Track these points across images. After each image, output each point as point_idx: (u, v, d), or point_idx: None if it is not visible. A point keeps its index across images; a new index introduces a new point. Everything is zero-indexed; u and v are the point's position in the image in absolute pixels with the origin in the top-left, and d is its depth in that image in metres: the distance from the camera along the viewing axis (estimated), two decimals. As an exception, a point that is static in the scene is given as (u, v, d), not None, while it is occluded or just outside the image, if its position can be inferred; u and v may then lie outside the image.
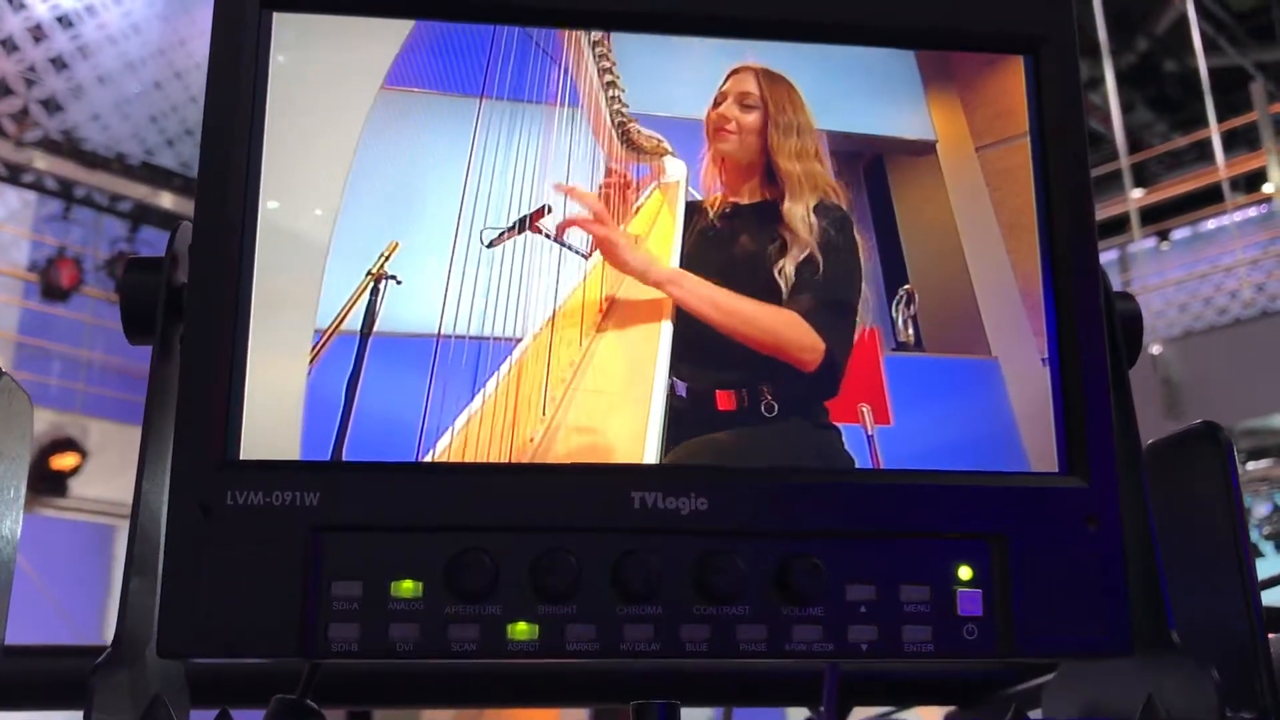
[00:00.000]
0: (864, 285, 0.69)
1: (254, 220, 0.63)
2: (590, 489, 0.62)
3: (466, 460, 0.63)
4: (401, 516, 0.60)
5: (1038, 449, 0.67)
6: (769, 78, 0.69)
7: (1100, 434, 0.66)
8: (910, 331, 0.69)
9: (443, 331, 0.64)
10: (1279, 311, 8.44)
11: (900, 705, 1.07)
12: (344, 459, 0.62)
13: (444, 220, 0.66)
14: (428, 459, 0.63)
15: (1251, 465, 8.40)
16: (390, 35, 0.67)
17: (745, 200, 0.69)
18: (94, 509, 6.86)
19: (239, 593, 0.58)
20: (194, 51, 7.74)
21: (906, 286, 0.69)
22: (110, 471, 6.65)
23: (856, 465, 0.67)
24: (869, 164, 0.71)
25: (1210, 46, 9.12)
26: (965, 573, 0.63)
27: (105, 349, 7.43)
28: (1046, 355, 0.68)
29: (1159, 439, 0.75)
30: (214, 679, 0.81)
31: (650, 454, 0.64)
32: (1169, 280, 9.27)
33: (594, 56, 0.69)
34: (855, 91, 0.71)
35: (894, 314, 0.69)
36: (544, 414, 0.64)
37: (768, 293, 0.67)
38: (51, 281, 7.20)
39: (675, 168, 0.69)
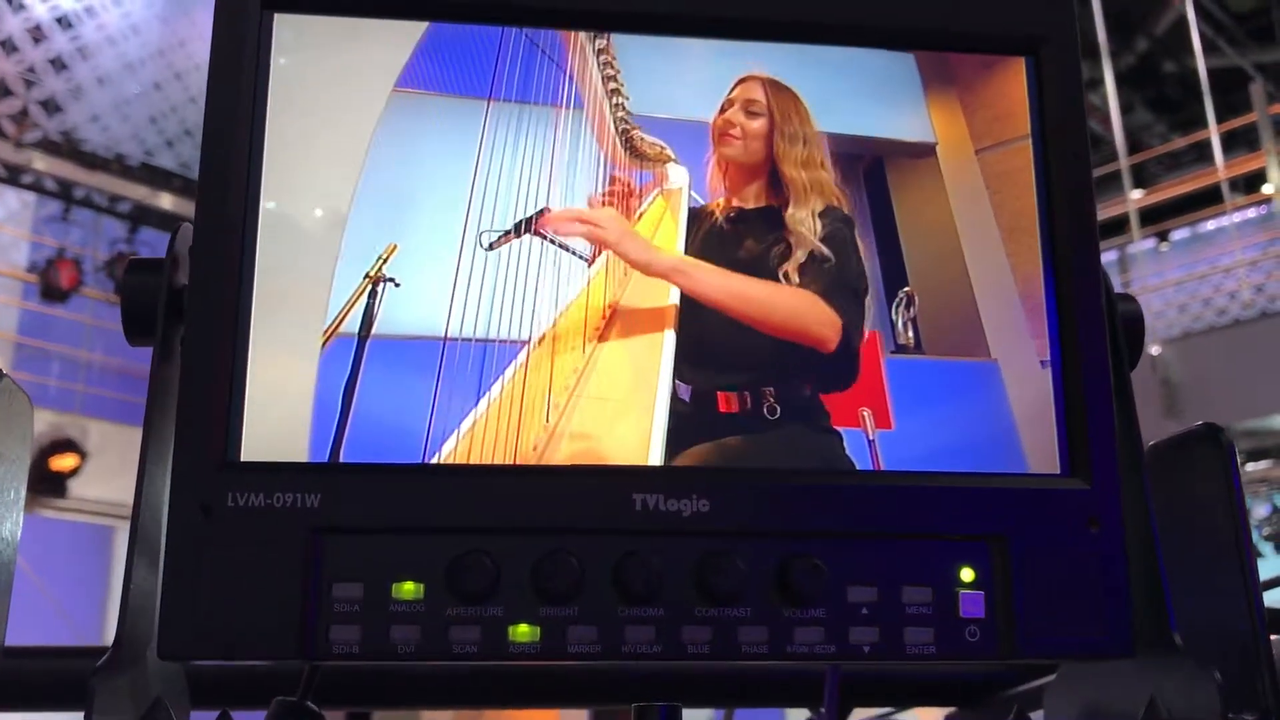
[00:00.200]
0: (870, 286, 0.69)
1: (255, 221, 0.63)
2: (591, 490, 0.62)
3: (469, 463, 0.63)
4: (402, 518, 0.60)
5: (1037, 451, 0.67)
6: (775, 87, 0.70)
7: (1102, 435, 0.66)
8: (910, 334, 0.69)
9: (443, 334, 0.64)
10: (1278, 312, 8.44)
11: (901, 706, 1.07)
12: (341, 461, 0.62)
13: (445, 222, 0.66)
14: (431, 462, 0.63)
15: (1251, 466, 8.40)
16: (403, 38, 0.67)
17: (750, 204, 0.69)
18: (93, 510, 6.85)
19: (240, 594, 0.58)
20: (193, 52, 7.75)
21: (906, 289, 0.69)
22: (110, 472, 6.64)
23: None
24: (869, 166, 0.71)
25: (1209, 47, 9.12)
26: (967, 574, 0.63)
27: (105, 350, 7.43)
28: (1046, 357, 0.68)
29: (1160, 440, 0.75)
30: (214, 680, 0.81)
31: (654, 461, 0.64)
32: (1168, 281, 9.27)
33: (598, 64, 0.69)
34: (855, 93, 0.71)
35: (894, 316, 0.69)
36: (548, 421, 0.64)
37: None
38: (51, 282, 7.20)
39: (678, 174, 0.69)
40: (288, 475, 0.60)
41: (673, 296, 0.67)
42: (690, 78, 0.69)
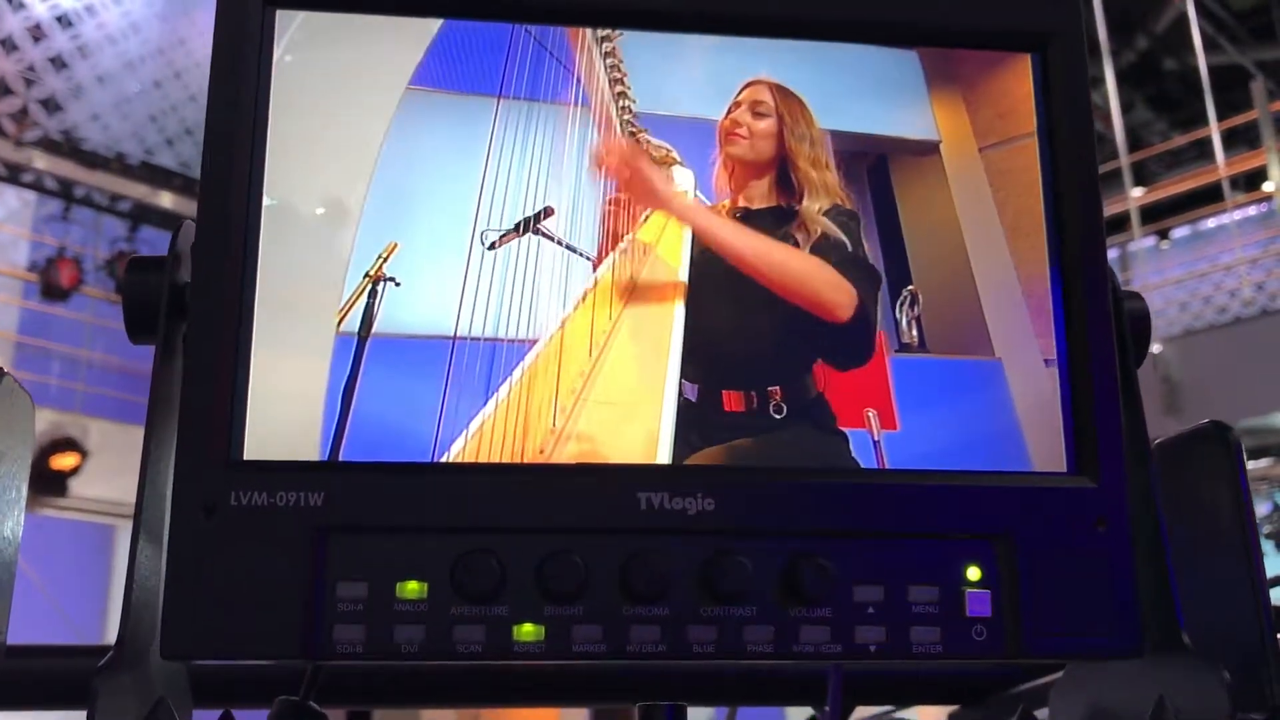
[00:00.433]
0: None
1: (257, 219, 0.63)
2: (597, 489, 0.62)
3: (473, 461, 0.63)
4: (407, 517, 0.60)
5: (1042, 449, 0.66)
6: (782, 92, 0.69)
7: (1109, 434, 0.65)
8: (914, 333, 0.68)
9: (445, 334, 0.64)
10: (1279, 310, 8.43)
11: (904, 704, 1.06)
12: (340, 460, 0.61)
13: (449, 221, 0.65)
14: (436, 460, 0.62)
15: (1252, 464, 8.39)
16: (416, 36, 0.67)
17: (756, 205, 0.69)
18: (94, 509, 6.85)
19: (243, 594, 0.58)
20: (193, 51, 7.74)
21: (910, 287, 0.69)
22: (110, 471, 6.64)
23: None
24: (873, 165, 0.71)
25: (1210, 45, 9.12)
26: (974, 573, 0.63)
27: (105, 349, 7.43)
28: (1050, 356, 0.68)
29: (1166, 438, 0.74)
30: (217, 680, 0.81)
31: (661, 462, 0.64)
32: (1169, 279, 9.26)
33: (605, 66, 0.69)
34: (859, 92, 0.71)
35: (898, 315, 0.68)
36: (554, 426, 0.64)
37: None
38: (51, 281, 7.19)
39: (684, 177, 0.69)
40: (291, 474, 0.60)
41: (679, 293, 0.67)
42: (697, 75, 0.69)
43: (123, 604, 0.58)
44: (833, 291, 0.67)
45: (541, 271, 0.66)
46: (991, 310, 0.69)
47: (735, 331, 0.67)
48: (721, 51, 0.69)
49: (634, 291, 0.67)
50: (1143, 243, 9.42)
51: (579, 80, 0.68)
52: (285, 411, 0.61)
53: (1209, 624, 0.68)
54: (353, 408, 0.62)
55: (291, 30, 0.65)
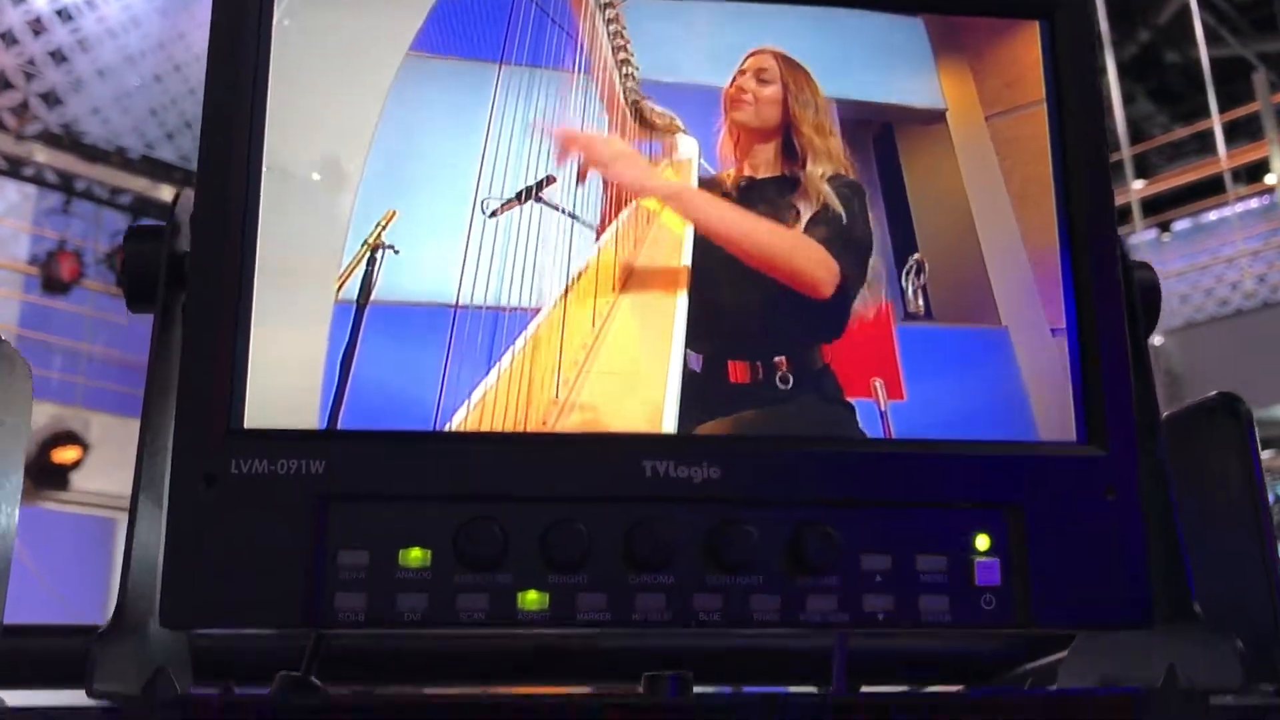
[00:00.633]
0: (875, 256, 0.68)
1: (257, 185, 0.62)
2: (601, 457, 0.61)
3: (476, 430, 0.62)
4: (409, 485, 0.59)
5: (1048, 419, 0.66)
6: (787, 61, 0.69)
7: (1119, 403, 0.65)
8: (920, 302, 0.68)
9: (447, 302, 0.63)
10: (1281, 302, 8.42)
11: (912, 684, 1.05)
12: (339, 428, 0.61)
13: (449, 189, 0.65)
14: (439, 429, 0.62)
15: (1253, 456, 8.36)
16: (416, 2, 0.66)
17: (761, 174, 0.68)
18: (95, 502, 6.84)
19: (243, 562, 0.57)
20: (193, 45, 7.72)
21: (916, 256, 0.68)
22: (112, 465, 6.62)
23: None
24: (878, 133, 0.70)
25: (1212, 37, 9.10)
26: (982, 542, 0.63)
27: (106, 342, 7.42)
28: (1056, 325, 0.67)
29: (1175, 411, 0.74)
30: (217, 656, 0.80)
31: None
32: (1170, 271, 9.24)
33: (608, 34, 0.68)
34: (865, 60, 0.70)
35: (904, 284, 0.68)
36: (557, 396, 0.63)
37: None
38: (52, 274, 7.18)
39: (687, 145, 0.68)
40: (293, 442, 0.59)
41: (685, 260, 0.66)
42: (700, 43, 0.68)
43: (120, 573, 0.58)
44: (813, 267, 0.66)
45: (543, 240, 0.65)
46: (998, 279, 0.68)
47: (740, 302, 0.66)
48: (726, 19, 0.69)
49: (638, 261, 0.66)
50: (1144, 235, 9.41)
51: (581, 47, 0.68)
52: (284, 380, 0.61)
53: (1219, 597, 0.67)
54: (351, 376, 0.61)
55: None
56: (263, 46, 0.63)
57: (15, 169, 7.34)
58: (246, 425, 0.60)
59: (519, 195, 0.65)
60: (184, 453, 0.58)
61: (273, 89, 0.63)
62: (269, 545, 0.58)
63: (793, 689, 0.95)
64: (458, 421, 0.62)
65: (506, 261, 0.64)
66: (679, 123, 0.68)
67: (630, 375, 0.64)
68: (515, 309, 0.64)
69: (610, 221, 0.67)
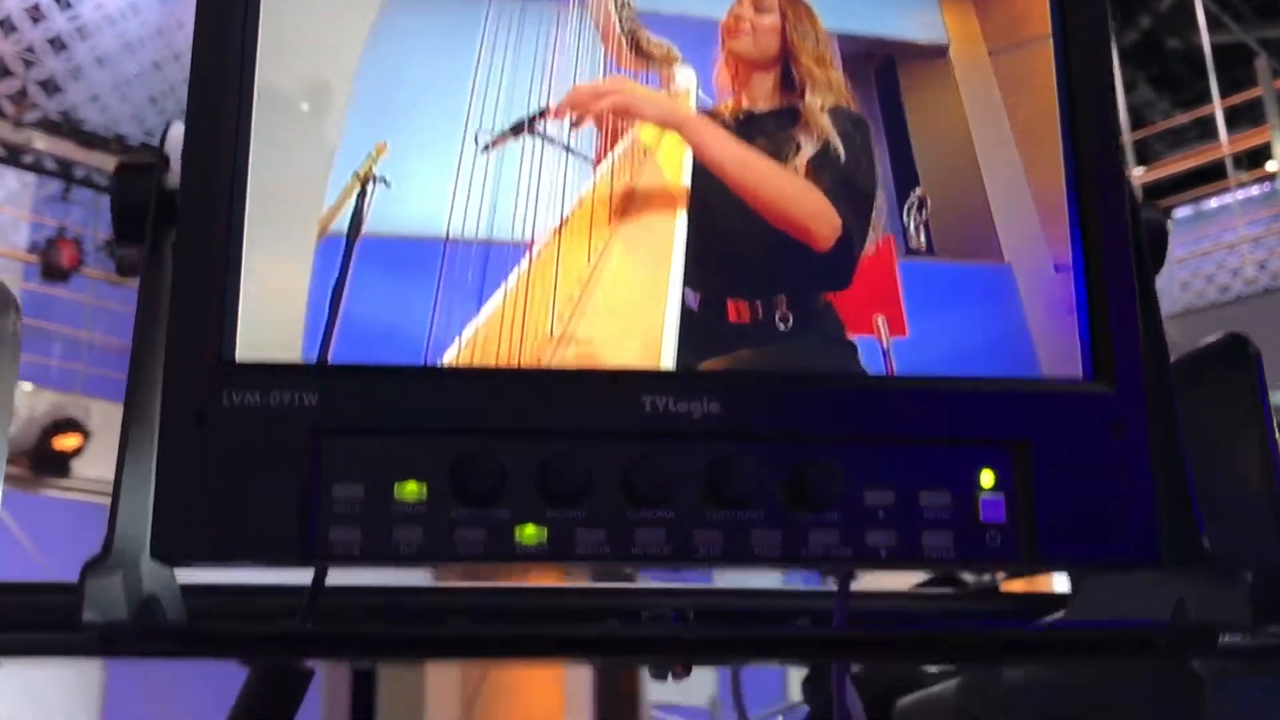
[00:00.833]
0: (879, 190, 0.67)
1: (248, 116, 0.61)
2: (599, 393, 0.60)
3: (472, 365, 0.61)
4: (405, 419, 0.59)
5: (1051, 356, 0.65)
6: None
7: (1127, 340, 0.64)
8: (922, 238, 0.67)
9: (440, 235, 0.62)
10: (1282, 288, 8.41)
11: (909, 662, 1.04)
12: (329, 362, 0.60)
13: (441, 121, 0.64)
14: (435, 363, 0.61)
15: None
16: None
17: (761, 106, 0.67)
18: (97, 489, 6.82)
19: (236, 496, 0.56)
20: (192, 32, 7.71)
21: (918, 191, 0.67)
22: (113, 451, 6.60)
23: None
24: (880, 68, 0.69)
25: (1214, 24, 9.08)
26: (987, 479, 0.62)
27: (106, 330, 7.42)
28: (1060, 261, 0.66)
29: (1183, 354, 0.73)
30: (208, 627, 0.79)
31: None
32: (1172, 258, 9.23)
33: None
34: (867, -6, 0.69)
35: (905, 219, 0.67)
36: (551, 333, 0.62)
37: None
38: (52, 262, 7.18)
39: (685, 76, 0.67)
40: (285, 374, 0.58)
41: (683, 198, 0.65)
42: (698, -27, 0.67)
43: (110, 507, 0.57)
44: (814, 220, 0.65)
45: (538, 174, 0.64)
46: (1000, 215, 0.67)
47: (740, 240, 0.65)
48: (726, -47, 0.67)
49: (634, 195, 0.65)
50: (1145, 221, 9.38)
51: (576, -23, 0.67)
52: (273, 313, 0.60)
53: (1228, 539, 0.67)
54: (341, 309, 0.60)
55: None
56: None
57: (14, 156, 7.33)
58: (238, 358, 0.59)
59: (514, 128, 0.64)
60: (174, 385, 0.58)
61: (263, 17, 0.62)
62: (262, 479, 0.57)
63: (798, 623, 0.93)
64: (449, 358, 0.61)
65: (500, 195, 0.63)
66: (676, 52, 0.67)
67: (627, 312, 0.63)
68: (509, 243, 0.63)
69: (606, 155, 0.65)
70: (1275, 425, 0.69)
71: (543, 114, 0.64)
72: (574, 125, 0.65)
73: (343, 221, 0.62)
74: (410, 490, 0.58)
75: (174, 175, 0.62)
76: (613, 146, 0.66)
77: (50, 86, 7.31)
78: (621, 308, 0.63)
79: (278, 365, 0.59)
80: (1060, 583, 0.86)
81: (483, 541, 0.58)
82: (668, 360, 0.62)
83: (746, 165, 0.65)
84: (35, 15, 7.22)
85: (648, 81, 0.67)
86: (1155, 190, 9.52)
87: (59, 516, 6.76)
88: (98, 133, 7.49)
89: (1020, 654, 0.61)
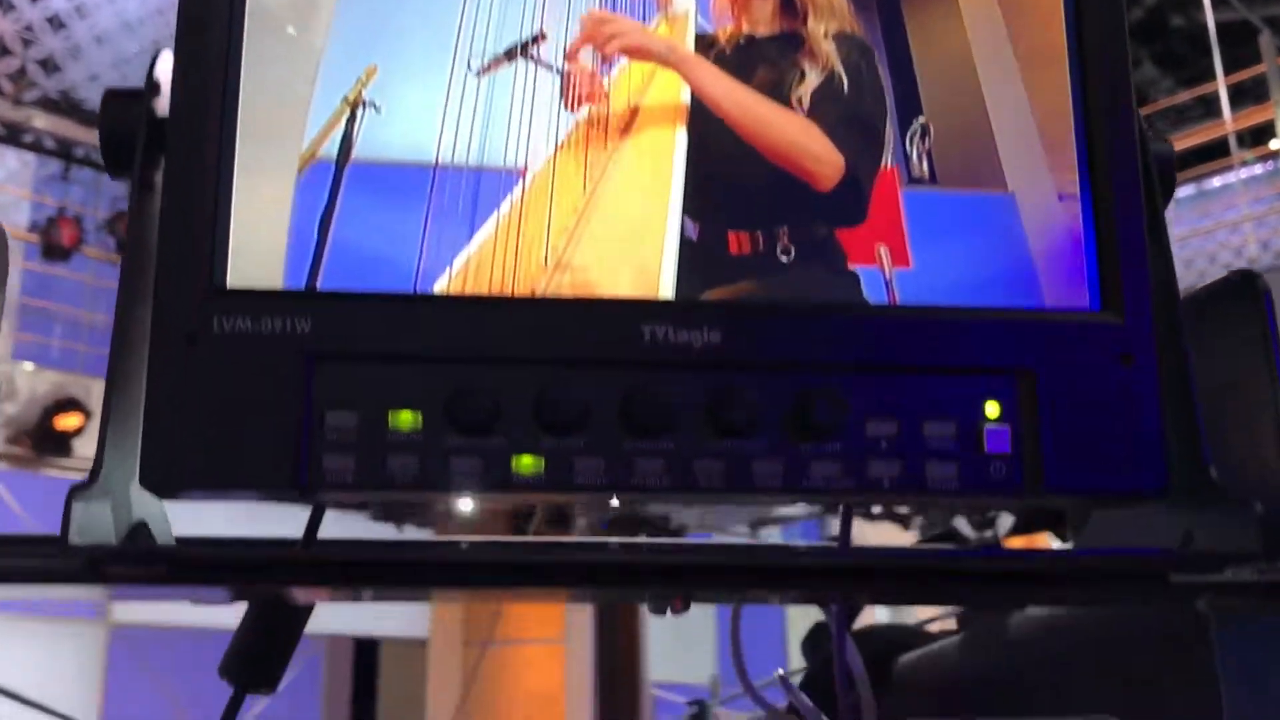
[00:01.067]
0: (887, 121, 0.65)
1: (239, 38, 0.60)
2: (597, 322, 0.59)
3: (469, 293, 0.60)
4: (399, 346, 0.58)
5: (1055, 286, 0.64)
6: None
7: (1135, 269, 0.63)
8: (925, 166, 0.65)
9: (432, 161, 0.61)
10: (1286, 266, 8.39)
11: (913, 602, 1.03)
12: (318, 289, 0.59)
13: (432, 44, 0.62)
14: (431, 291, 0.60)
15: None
16: None
17: (761, 31, 0.65)
18: (98, 469, 6.84)
19: (227, 424, 0.55)
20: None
21: (921, 119, 0.66)
22: (114, 433, 6.61)
23: None
24: (883, -6, 0.68)
25: (1218, 1, 9.03)
26: (992, 409, 0.60)
27: (107, 309, 7.40)
28: (1064, 191, 0.65)
29: (1192, 291, 0.72)
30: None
31: (663, 302, 0.61)
32: (1174, 237, 9.19)
33: None
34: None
35: (908, 148, 0.65)
36: (545, 263, 0.61)
37: None
38: (52, 241, 7.16)
39: (683, 1, 0.66)
40: (277, 300, 0.57)
41: (682, 124, 0.64)
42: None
43: (99, 435, 0.56)
44: (814, 163, 0.64)
45: (533, 99, 0.63)
46: (1004, 144, 0.66)
47: (740, 169, 0.64)
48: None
49: (632, 121, 0.64)
50: (1148, 200, 9.35)
51: (571, -103, 0.65)
52: (264, 240, 0.59)
53: (1236, 474, 0.66)
54: (330, 236, 0.59)
55: None
56: None
57: (14, 136, 7.31)
58: (229, 285, 0.58)
59: (507, 53, 0.63)
60: (164, 310, 0.56)
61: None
62: (253, 406, 0.56)
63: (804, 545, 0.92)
64: (439, 287, 0.60)
65: (492, 121, 0.62)
66: None
67: (624, 242, 0.62)
68: (501, 170, 0.61)
69: (602, 83, 0.64)
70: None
71: (536, 39, 0.63)
72: (569, 58, 0.64)
73: (331, 147, 0.60)
74: (405, 419, 0.57)
75: (163, 104, 0.61)
76: (610, 72, 0.64)
77: (49, 65, 7.28)
78: (618, 237, 0.62)
79: (270, 292, 0.58)
80: (1058, 545, 0.85)
81: (478, 471, 0.57)
82: (666, 291, 0.61)
83: (747, 109, 0.64)
84: (34, -6, 7.19)
85: (644, 6, 0.65)
86: (1158, 169, 9.47)
87: (60, 496, 6.78)
88: (97, 112, 7.47)
89: (1026, 584, 0.60)
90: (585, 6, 0.64)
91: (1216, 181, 9.65)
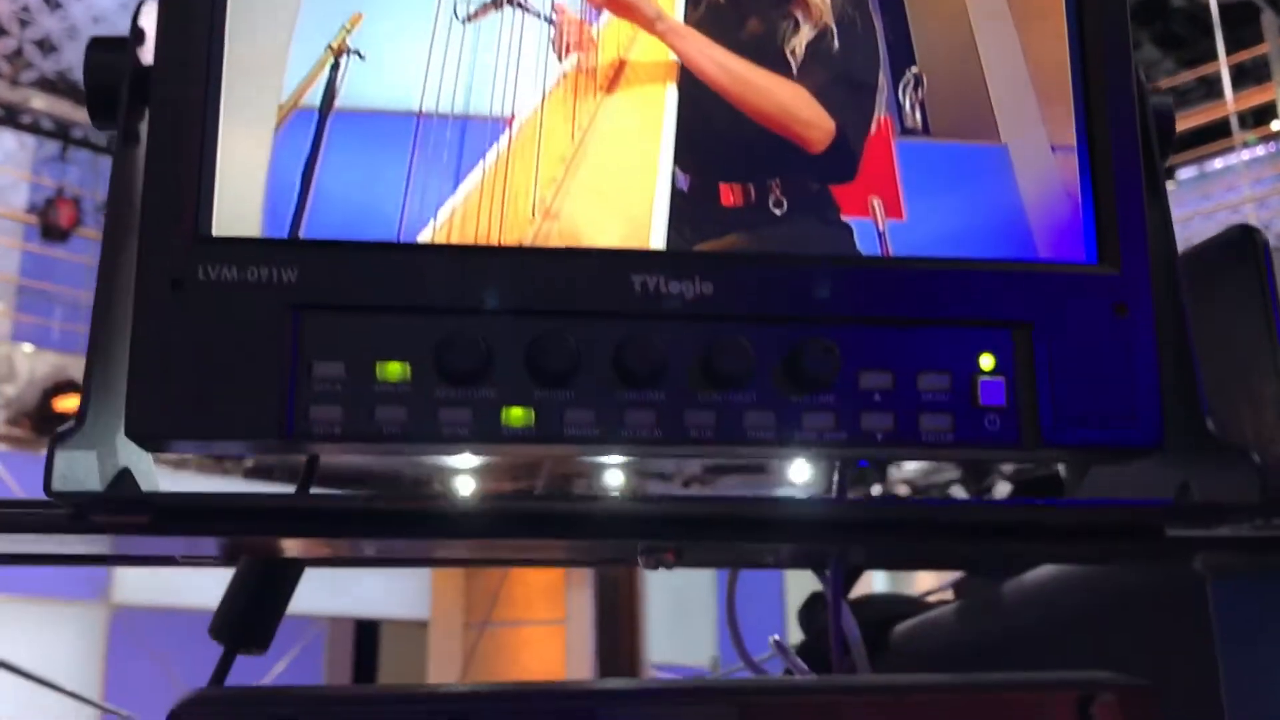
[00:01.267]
0: (881, 75, 0.64)
1: None
2: (588, 271, 0.59)
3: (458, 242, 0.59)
4: (387, 296, 0.57)
5: (1048, 238, 0.63)
6: None
7: (1132, 220, 0.62)
8: (918, 117, 0.65)
9: (417, 109, 0.60)
10: (1287, 247, 8.36)
11: (908, 555, 1.03)
12: (302, 238, 0.58)
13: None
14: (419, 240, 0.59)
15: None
16: None
17: None
18: (98, 450, 6.83)
19: (213, 373, 0.55)
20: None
21: (914, 69, 0.65)
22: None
23: None
24: (876, -55, 0.67)
25: (1219, -19, 9.00)
26: (987, 362, 0.60)
27: (106, 291, 7.39)
28: (1056, 142, 0.64)
29: (1190, 247, 0.71)
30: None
31: (653, 253, 0.61)
32: (1175, 218, 9.17)
33: None
34: None
35: (901, 98, 0.64)
36: (533, 216, 0.60)
37: (777, 70, 0.63)
38: (51, 222, 7.16)
39: None
40: (263, 249, 0.57)
41: (672, 75, 0.63)
42: None
43: (83, 383, 0.55)
44: (804, 127, 0.63)
45: (520, 47, 0.62)
46: (998, 95, 0.65)
47: (732, 120, 0.63)
48: None
49: (622, 70, 0.63)
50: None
51: None
52: (250, 189, 0.58)
53: (1234, 431, 0.65)
54: (313, 185, 0.58)
55: None
56: None
57: (12, 117, 7.29)
58: (215, 233, 0.57)
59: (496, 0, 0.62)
60: (149, 258, 0.56)
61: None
62: (240, 355, 0.55)
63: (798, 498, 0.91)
64: (424, 237, 0.59)
65: (478, 69, 0.61)
66: None
67: (613, 192, 0.61)
68: (487, 118, 0.61)
69: (592, 32, 0.63)
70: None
71: (527, -14, 0.62)
72: (556, 7, 0.63)
73: (315, 95, 0.60)
74: (393, 370, 0.56)
75: (148, 52, 0.60)
76: (600, 19, 0.63)
77: (46, 46, 7.27)
78: (607, 188, 0.61)
79: (256, 240, 0.57)
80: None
81: (468, 423, 0.56)
82: (657, 242, 0.61)
83: (736, 77, 0.63)
84: (31, -26, 7.17)
85: None
86: (1159, 150, 9.45)
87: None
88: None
89: (1023, 534, 0.59)
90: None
91: (1218, 163, 9.63)
